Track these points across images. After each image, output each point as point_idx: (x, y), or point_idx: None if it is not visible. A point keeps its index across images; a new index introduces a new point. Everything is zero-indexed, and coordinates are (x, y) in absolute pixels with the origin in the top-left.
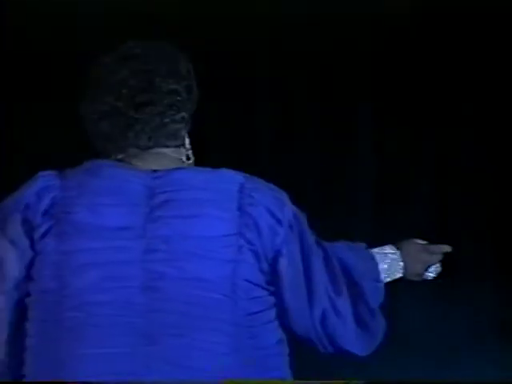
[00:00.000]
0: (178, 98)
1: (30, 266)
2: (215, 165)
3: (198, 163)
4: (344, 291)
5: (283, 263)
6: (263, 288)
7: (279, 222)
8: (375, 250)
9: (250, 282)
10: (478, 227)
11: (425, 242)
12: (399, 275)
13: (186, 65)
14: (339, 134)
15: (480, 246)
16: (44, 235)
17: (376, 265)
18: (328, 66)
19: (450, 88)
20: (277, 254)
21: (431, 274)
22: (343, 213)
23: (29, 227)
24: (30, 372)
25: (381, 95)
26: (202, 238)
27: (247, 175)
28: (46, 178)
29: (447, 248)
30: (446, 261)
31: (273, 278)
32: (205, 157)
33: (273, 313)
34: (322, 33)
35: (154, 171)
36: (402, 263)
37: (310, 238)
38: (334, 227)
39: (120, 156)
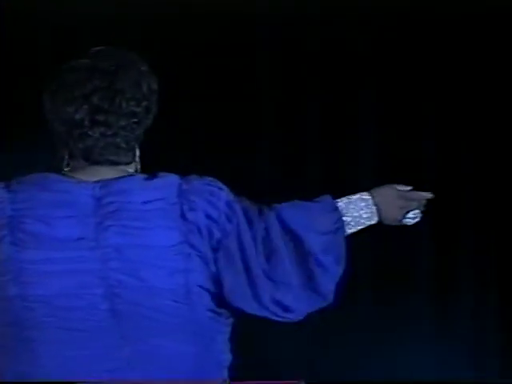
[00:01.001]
0: (135, 119)
1: None
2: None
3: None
4: (283, 259)
5: (221, 256)
6: (215, 291)
7: (216, 221)
8: (343, 200)
9: (202, 287)
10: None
11: (407, 188)
12: (373, 222)
13: (149, 82)
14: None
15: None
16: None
17: (330, 217)
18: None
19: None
20: (215, 253)
21: (410, 219)
22: None
23: None
24: (5, 371)
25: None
26: (152, 247)
27: (183, 177)
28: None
29: (428, 195)
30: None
31: (217, 275)
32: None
33: (224, 313)
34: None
35: (99, 181)
36: (374, 208)
37: (248, 219)
38: None
39: (67, 169)
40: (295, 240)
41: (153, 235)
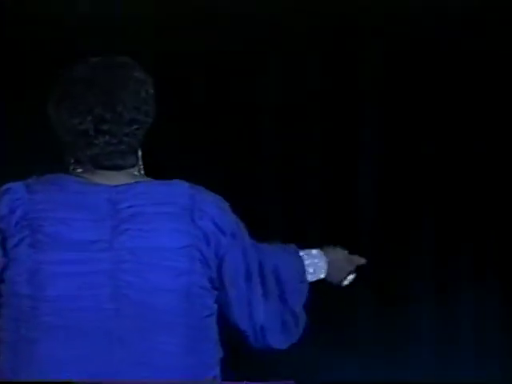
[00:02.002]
0: (137, 126)
1: (2, 270)
2: None
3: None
4: (272, 293)
5: (226, 269)
6: (212, 294)
7: (223, 232)
8: (303, 253)
9: (202, 288)
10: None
11: (345, 251)
12: (322, 276)
13: (146, 88)
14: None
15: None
16: (17, 244)
17: (302, 266)
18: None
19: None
20: (221, 262)
21: (347, 281)
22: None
23: (3, 237)
24: (6, 367)
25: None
26: (164, 249)
27: (195, 186)
28: (15, 191)
29: (363, 261)
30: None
31: (219, 283)
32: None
33: (215, 317)
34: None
35: (116, 186)
36: (326, 267)
37: (250, 243)
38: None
39: (79, 169)
40: (278, 285)
41: (164, 237)
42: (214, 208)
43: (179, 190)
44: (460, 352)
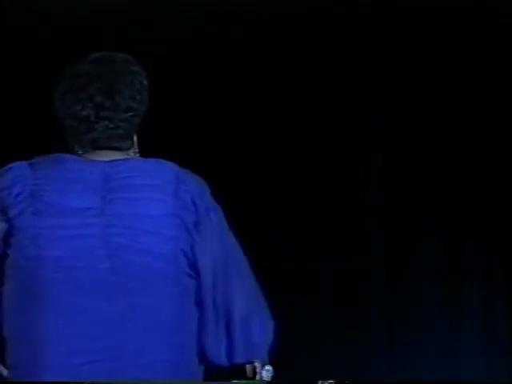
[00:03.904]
0: (132, 113)
1: (6, 236)
2: None
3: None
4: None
5: (199, 244)
6: (192, 259)
7: (201, 207)
8: None
9: (186, 254)
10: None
11: None
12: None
13: (141, 80)
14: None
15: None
16: (19, 214)
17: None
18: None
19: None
20: (196, 228)
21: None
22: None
23: (2, 205)
24: (19, 325)
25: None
26: (149, 216)
27: (181, 168)
28: (18, 168)
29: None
30: None
31: (194, 247)
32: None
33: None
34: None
35: (109, 161)
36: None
37: (224, 223)
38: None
39: (80, 151)
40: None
41: (150, 206)
42: (195, 187)
43: (166, 167)
44: (468, 349)
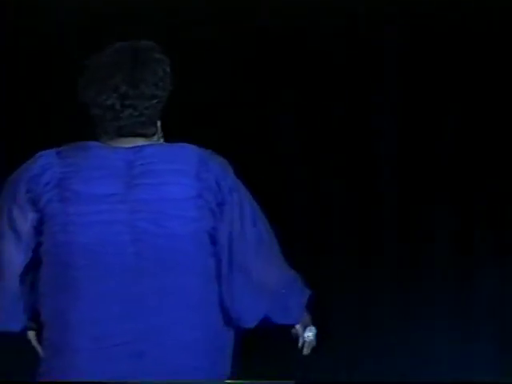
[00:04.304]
0: (156, 100)
1: (38, 224)
2: None
3: None
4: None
5: (224, 221)
6: (216, 239)
7: (225, 188)
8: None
9: (210, 234)
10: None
11: None
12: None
13: (163, 67)
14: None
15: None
16: (49, 202)
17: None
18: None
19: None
20: (219, 208)
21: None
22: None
23: (33, 195)
24: (57, 308)
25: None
26: (172, 200)
27: (203, 149)
28: (47, 156)
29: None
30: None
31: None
32: None
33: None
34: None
35: (132, 148)
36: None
37: (250, 203)
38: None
39: (105, 138)
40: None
41: (173, 190)
42: (219, 168)
43: (188, 150)
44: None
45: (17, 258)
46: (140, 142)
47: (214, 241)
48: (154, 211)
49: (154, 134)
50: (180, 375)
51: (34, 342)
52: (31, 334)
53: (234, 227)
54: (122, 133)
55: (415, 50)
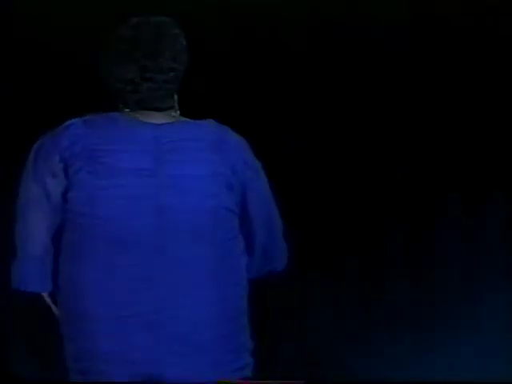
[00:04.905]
0: (174, 73)
1: (66, 192)
2: None
3: None
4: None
5: (251, 196)
6: (236, 217)
7: (246, 164)
8: None
9: (228, 210)
10: None
11: None
12: None
13: (181, 42)
14: None
15: None
16: (78, 171)
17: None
18: None
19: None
20: (244, 189)
21: None
22: None
23: (64, 164)
24: (63, 277)
25: None
26: (196, 176)
27: (222, 125)
28: (77, 126)
29: None
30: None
31: (241, 208)
32: None
33: (237, 240)
34: None
35: (159, 125)
36: None
37: (265, 181)
38: None
39: (126, 110)
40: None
41: (197, 167)
42: (237, 146)
43: (209, 127)
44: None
45: (47, 225)
46: (163, 117)
47: (232, 216)
48: (178, 187)
49: (171, 107)
50: (193, 348)
51: (49, 302)
52: (45, 295)
53: (254, 204)
54: (142, 105)
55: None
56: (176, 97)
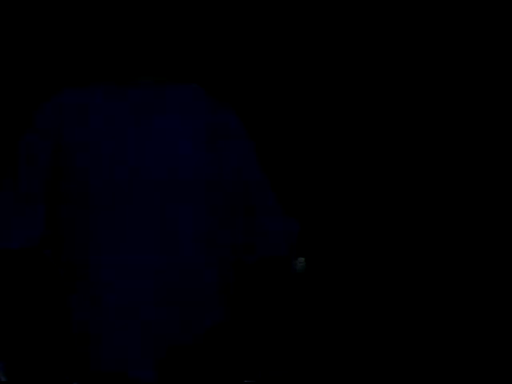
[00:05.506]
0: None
1: (56, 150)
2: None
3: None
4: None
5: (242, 163)
6: (228, 185)
7: (227, 130)
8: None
9: (219, 176)
10: None
11: None
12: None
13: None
14: None
15: None
16: (71, 136)
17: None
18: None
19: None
20: (239, 156)
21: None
22: None
23: (55, 126)
24: (63, 230)
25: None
26: (183, 138)
27: (208, 94)
28: (70, 91)
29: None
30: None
31: (234, 175)
32: None
33: (229, 210)
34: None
35: (147, 87)
36: None
37: (252, 148)
38: None
39: (118, 75)
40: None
41: (184, 132)
42: (226, 113)
43: (196, 92)
44: None
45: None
46: (150, 81)
47: (221, 180)
48: (164, 147)
49: (163, 74)
50: (199, 323)
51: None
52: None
53: (241, 170)
54: (135, 70)
55: (415, 50)
56: (169, 64)
